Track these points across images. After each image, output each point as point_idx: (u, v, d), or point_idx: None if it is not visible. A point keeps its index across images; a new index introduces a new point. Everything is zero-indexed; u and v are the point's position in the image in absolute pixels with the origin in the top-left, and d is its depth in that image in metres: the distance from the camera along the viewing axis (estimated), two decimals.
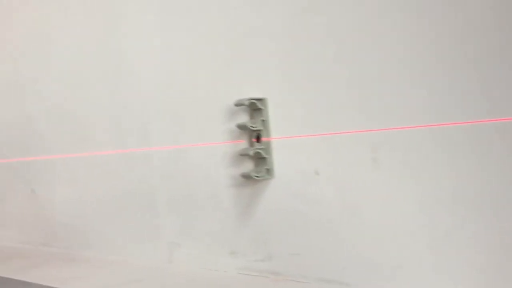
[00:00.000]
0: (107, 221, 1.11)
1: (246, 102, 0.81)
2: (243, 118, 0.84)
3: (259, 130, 0.83)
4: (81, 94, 1.16)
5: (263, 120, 0.82)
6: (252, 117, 0.83)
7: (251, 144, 0.84)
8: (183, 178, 0.96)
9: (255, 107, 0.82)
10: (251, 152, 0.81)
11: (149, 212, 1.02)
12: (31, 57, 1.28)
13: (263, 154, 0.82)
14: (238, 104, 0.82)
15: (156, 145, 1.00)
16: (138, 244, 1.05)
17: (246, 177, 0.82)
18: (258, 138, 0.84)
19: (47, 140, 1.25)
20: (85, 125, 1.15)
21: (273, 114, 0.82)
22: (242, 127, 0.83)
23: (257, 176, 0.81)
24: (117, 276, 0.95)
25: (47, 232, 1.26)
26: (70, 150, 1.19)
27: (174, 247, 0.98)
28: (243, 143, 0.85)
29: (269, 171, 0.82)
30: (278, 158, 0.82)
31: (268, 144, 0.83)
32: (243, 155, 0.83)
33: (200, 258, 0.94)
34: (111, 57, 1.08)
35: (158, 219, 1.00)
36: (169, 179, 0.98)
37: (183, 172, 0.96)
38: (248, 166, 0.85)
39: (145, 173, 1.02)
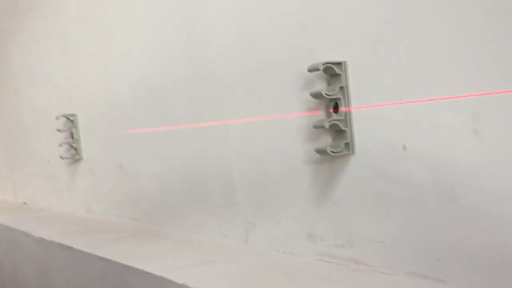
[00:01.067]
0: (187, 197, 1.07)
1: (321, 67, 0.70)
2: (322, 85, 0.74)
3: (337, 98, 0.72)
4: (160, 67, 1.12)
5: (341, 87, 0.71)
6: (329, 84, 0.73)
7: (328, 115, 0.74)
8: (259, 153, 0.88)
9: (332, 73, 0.71)
10: (327, 124, 0.71)
11: (225, 188, 0.96)
12: (115, 33, 1.27)
13: (341, 126, 0.71)
14: (312, 70, 0.72)
15: (231, 118, 0.93)
16: (215, 222, 1.00)
17: (322, 152, 0.72)
18: (336, 108, 0.73)
19: (131, 114, 1.24)
20: (164, 99, 1.12)
21: (353, 80, 0.71)
22: (317, 96, 0.72)
23: (334, 152, 0.71)
24: (193, 255, 0.91)
25: (134, 207, 1.26)
26: (151, 124, 1.17)
27: (250, 227, 0.92)
28: (320, 114, 0.75)
29: (348, 146, 0.71)
30: (359, 130, 0.71)
31: (347, 114, 0.71)
32: (318, 127, 0.73)
33: (276, 240, 0.86)
34: (183, 27, 1.03)
35: (235, 196, 0.94)
36: (245, 154, 0.91)
37: (258, 146, 0.88)
38: (326, 140, 0.75)
39: (221, 147, 0.96)
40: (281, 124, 0.82)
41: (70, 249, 1.06)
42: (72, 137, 1.48)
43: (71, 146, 1.49)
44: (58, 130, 1.49)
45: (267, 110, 0.85)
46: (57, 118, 1.49)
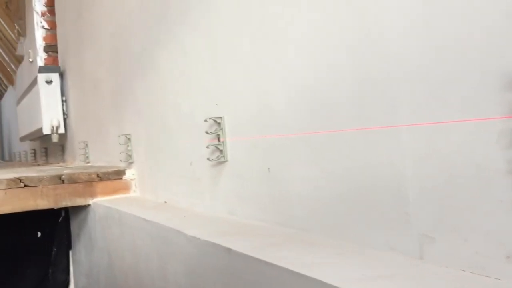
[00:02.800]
0: (347, 205, 1.02)
1: None
2: None
3: None
4: (320, 69, 1.08)
5: None
6: None
7: None
8: (442, 161, 0.80)
9: None
10: None
11: (395, 198, 0.89)
12: (268, 34, 1.26)
13: None
14: None
15: (406, 122, 0.86)
16: (381, 233, 0.93)
17: None
18: None
19: (284, 117, 1.22)
20: (323, 101, 1.08)
21: None
22: None
23: None
24: (360, 267, 0.86)
25: (283, 211, 1.24)
26: (307, 128, 1.14)
27: (426, 241, 0.84)
28: None
29: None
30: None
31: None
32: None
33: (462, 258, 0.78)
34: (350, 24, 0.98)
35: (408, 207, 0.87)
36: (423, 161, 0.84)
37: (441, 154, 0.80)
38: None
39: (391, 154, 0.90)
40: (474, 129, 0.74)
41: (228, 250, 1.06)
42: (218, 140, 1.50)
43: (216, 148, 1.51)
44: (207, 133, 1.52)
45: (455, 113, 0.77)
46: (205, 121, 1.52)
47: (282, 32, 1.21)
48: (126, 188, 2.36)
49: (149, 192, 2.19)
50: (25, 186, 2.14)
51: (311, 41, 1.10)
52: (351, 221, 1.01)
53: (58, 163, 4.15)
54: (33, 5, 5.15)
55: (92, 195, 2.28)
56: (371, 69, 0.93)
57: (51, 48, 5.34)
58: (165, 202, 1.98)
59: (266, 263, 0.92)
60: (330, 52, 1.05)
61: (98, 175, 2.29)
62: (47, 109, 3.68)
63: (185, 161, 1.78)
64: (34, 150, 5.84)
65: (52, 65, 3.98)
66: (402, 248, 0.88)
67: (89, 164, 3.18)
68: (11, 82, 7.82)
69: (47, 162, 4.96)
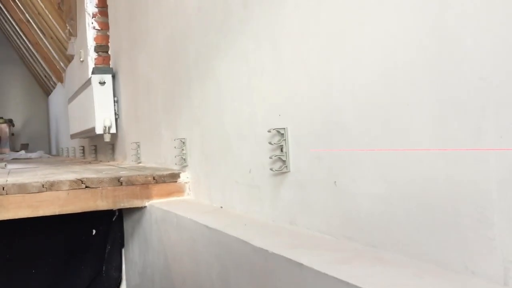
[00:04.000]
0: (421, 224, 1.01)
1: None
2: None
3: None
4: (394, 80, 1.08)
5: None
6: None
7: None
8: None
9: None
10: None
11: (478, 221, 0.88)
12: (338, 45, 1.26)
13: None
14: None
15: (495, 146, 0.85)
16: (460, 255, 0.92)
17: None
18: None
19: (354, 132, 1.22)
20: (396, 117, 1.07)
21: None
22: None
23: None
24: None
25: (350, 225, 1.24)
26: (379, 145, 1.14)
27: (511, 266, 0.83)
28: None
29: None
30: None
31: None
32: None
33: None
34: (427, 27, 0.97)
35: (491, 231, 0.86)
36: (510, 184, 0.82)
37: None
38: None
39: (474, 176, 0.89)
40: None
41: (299, 265, 1.07)
42: (282, 150, 1.51)
43: (279, 158, 1.53)
44: (270, 143, 1.53)
45: None
46: (269, 131, 1.54)
47: (353, 41, 1.21)
48: (180, 191, 2.41)
49: (204, 196, 2.22)
50: (86, 187, 2.21)
51: (385, 52, 1.10)
52: (424, 240, 1.01)
53: (108, 161, 4.26)
54: (85, 6, 5.30)
55: (148, 197, 2.34)
56: (452, 81, 0.92)
57: (101, 48, 5.50)
58: (221, 207, 2.01)
59: (341, 281, 0.93)
60: (406, 65, 1.04)
61: (154, 178, 2.35)
62: (100, 110, 3.79)
63: (243, 168, 1.80)
64: (83, 147, 6.01)
65: (105, 66, 4.09)
66: (483, 272, 0.87)
67: (141, 165, 3.25)
68: (61, 79, 8.08)
69: (96, 159, 5.10)
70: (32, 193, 2.11)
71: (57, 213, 2.17)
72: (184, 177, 2.41)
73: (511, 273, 0.83)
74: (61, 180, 2.18)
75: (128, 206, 2.31)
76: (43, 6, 6.91)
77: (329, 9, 1.29)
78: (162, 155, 2.82)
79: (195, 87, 2.26)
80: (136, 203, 2.32)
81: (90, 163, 4.49)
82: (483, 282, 0.87)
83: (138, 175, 2.34)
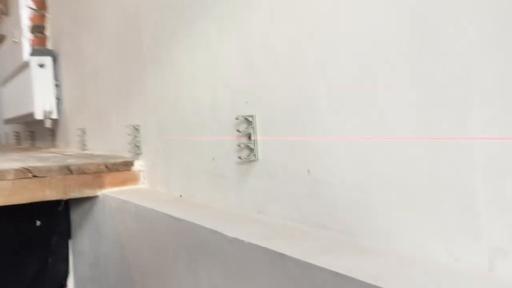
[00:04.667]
0: (403, 213, 1.03)
1: None
2: None
3: None
4: (374, 67, 1.08)
5: None
6: None
7: None
8: None
9: None
10: None
11: (464, 210, 0.90)
12: (313, 33, 1.25)
13: None
14: None
15: (481, 135, 0.87)
16: (442, 243, 0.94)
17: None
18: None
19: (329, 120, 1.21)
20: (378, 107, 1.08)
21: None
22: None
23: None
24: (428, 279, 0.87)
25: (325, 214, 1.24)
26: (356, 133, 1.14)
27: (497, 253, 0.85)
28: None
29: None
30: None
31: None
32: None
33: None
34: (407, 19, 0.98)
35: (478, 219, 0.88)
36: (497, 177, 0.85)
37: None
38: None
39: (459, 168, 0.91)
40: None
41: (281, 256, 1.06)
42: (250, 138, 1.49)
43: (247, 146, 1.50)
44: (238, 131, 1.50)
45: None
46: (237, 118, 1.51)
47: (329, 26, 1.19)
48: (134, 179, 2.33)
49: (160, 185, 2.16)
50: (34, 176, 2.09)
51: (365, 37, 1.09)
52: (407, 229, 1.02)
53: (48, 148, 4.06)
54: None
55: (101, 186, 2.24)
56: (433, 70, 0.93)
57: (37, 29, 5.19)
58: (180, 196, 1.97)
59: (330, 271, 0.92)
60: (383, 51, 1.04)
61: (106, 166, 2.25)
62: (39, 94, 3.59)
63: (205, 157, 1.77)
64: (18, 132, 5.70)
65: (44, 48, 3.86)
66: (467, 259, 0.90)
67: (87, 152, 3.12)
68: None
69: (33, 146, 4.85)
70: None
71: (1, 204, 2.04)
72: (138, 165, 2.33)
73: (497, 260, 0.85)
74: (6, 169, 2.04)
75: (80, 196, 2.21)
76: None
77: None
78: (112, 142, 2.72)
79: (149, 72, 2.18)
80: (88, 193, 2.22)
81: (28, 150, 4.25)
82: (464, 267, 0.89)
83: (90, 163, 2.24)
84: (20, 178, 2.06)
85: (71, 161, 2.41)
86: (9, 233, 2.67)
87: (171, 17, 1.94)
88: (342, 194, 1.19)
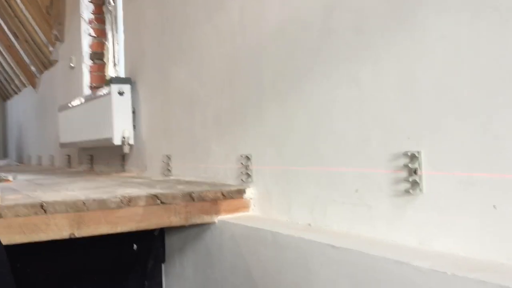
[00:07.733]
0: None
1: None
2: None
3: None
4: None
5: None
6: None
7: None
8: None
9: None
10: None
11: None
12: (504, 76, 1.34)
13: None
14: None
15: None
16: None
17: None
18: None
19: None
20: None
21: None
22: None
23: None
24: None
25: None
26: None
27: None
28: None
29: None
30: None
31: None
32: None
33: None
34: None
35: None
36: None
37: None
38: None
39: None
40: None
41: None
42: (415, 173, 1.58)
43: (406, 180, 1.59)
44: (405, 166, 1.59)
45: None
46: (405, 154, 1.60)
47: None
48: (245, 206, 2.41)
49: (278, 213, 2.24)
50: (162, 203, 2.18)
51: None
52: None
53: (117, 173, 4.15)
54: (80, 12, 5.17)
55: (217, 212, 2.33)
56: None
57: (97, 55, 5.36)
58: (309, 224, 2.04)
59: None
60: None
61: (222, 194, 2.34)
62: (118, 120, 3.70)
63: (346, 189, 1.85)
64: (69, 156, 5.81)
65: (124, 77, 3.99)
66: None
67: (172, 178, 3.21)
68: (33, 84, 7.75)
69: (92, 170, 4.95)
70: (111, 209, 2.06)
71: (133, 230, 2.12)
72: (249, 193, 2.41)
73: None
74: (138, 196, 2.13)
75: (200, 222, 2.30)
76: (22, 9, 6.63)
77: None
78: (211, 169, 2.81)
79: (270, 105, 2.28)
80: (206, 219, 2.31)
81: (90, 173, 4.35)
82: None
83: (208, 190, 2.33)
84: (150, 205, 2.15)
85: (180, 187, 2.50)
86: (108, 258, 2.74)
87: (305, 54, 2.05)
88: None
